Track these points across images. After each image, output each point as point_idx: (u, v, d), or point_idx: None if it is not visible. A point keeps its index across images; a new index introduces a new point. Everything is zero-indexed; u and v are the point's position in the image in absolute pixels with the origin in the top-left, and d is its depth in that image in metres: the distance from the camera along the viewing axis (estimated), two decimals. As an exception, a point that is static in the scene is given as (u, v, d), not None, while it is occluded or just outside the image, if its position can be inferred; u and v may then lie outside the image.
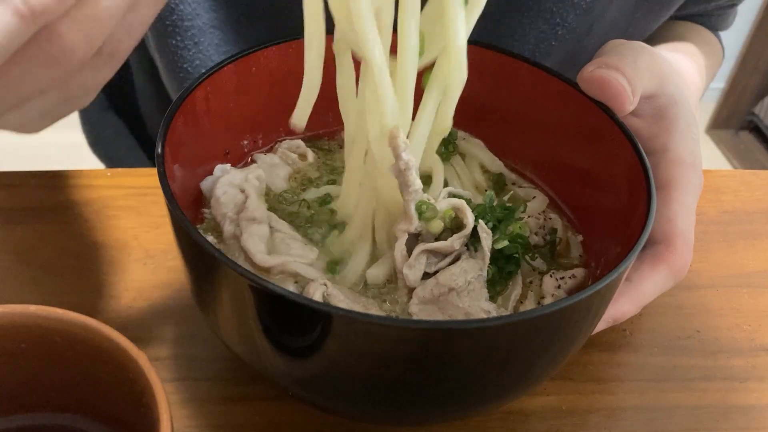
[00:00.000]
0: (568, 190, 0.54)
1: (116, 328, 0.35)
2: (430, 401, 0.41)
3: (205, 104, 0.49)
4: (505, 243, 0.45)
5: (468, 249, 0.45)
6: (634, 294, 0.48)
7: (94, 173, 0.66)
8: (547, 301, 0.46)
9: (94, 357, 0.36)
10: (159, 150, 0.42)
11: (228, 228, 0.47)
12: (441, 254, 0.44)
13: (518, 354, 0.38)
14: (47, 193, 0.63)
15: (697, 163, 0.51)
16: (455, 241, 0.44)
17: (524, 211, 0.51)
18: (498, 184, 0.55)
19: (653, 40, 0.79)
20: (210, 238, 0.47)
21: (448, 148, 0.55)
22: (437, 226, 0.44)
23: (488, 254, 0.44)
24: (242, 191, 0.48)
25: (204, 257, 0.38)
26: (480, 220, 0.45)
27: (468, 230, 0.44)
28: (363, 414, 0.44)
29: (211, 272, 0.38)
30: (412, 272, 0.44)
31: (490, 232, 0.45)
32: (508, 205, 0.48)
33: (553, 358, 0.41)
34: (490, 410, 0.49)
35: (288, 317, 0.37)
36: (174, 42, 0.72)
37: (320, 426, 0.48)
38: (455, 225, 0.45)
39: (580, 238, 0.51)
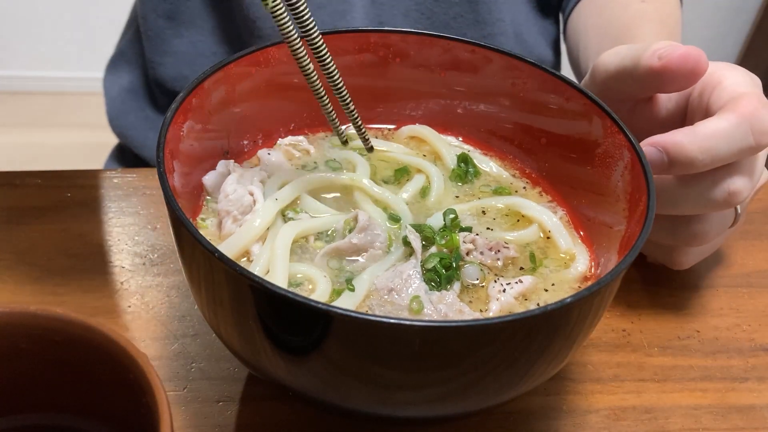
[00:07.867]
0: (569, 191, 0.54)
1: (116, 328, 0.35)
2: (430, 401, 0.41)
3: (206, 104, 0.49)
4: (436, 261, 0.47)
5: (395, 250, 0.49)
6: (691, 129, 0.46)
7: (94, 173, 0.66)
8: (493, 304, 0.46)
9: (94, 357, 0.36)
10: (159, 150, 0.42)
11: (229, 225, 0.48)
12: (349, 252, 0.48)
13: (518, 353, 0.38)
14: (47, 193, 0.63)
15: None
16: (352, 238, 0.47)
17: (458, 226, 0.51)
18: (499, 192, 0.55)
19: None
20: (210, 237, 0.47)
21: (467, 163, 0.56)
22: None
23: (420, 251, 0.47)
24: (251, 194, 0.48)
25: (204, 257, 0.38)
26: (408, 225, 0.49)
27: (362, 225, 0.48)
28: (362, 414, 0.44)
29: (211, 272, 0.38)
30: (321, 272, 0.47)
31: (418, 234, 0.48)
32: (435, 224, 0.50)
33: (553, 357, 0.41)
34: (490, 410, 0.49)
35: (288, 317, 0.37)
36: None
37: (320, 426, 0.48)
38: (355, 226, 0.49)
39: (584, 249, 0.51)
